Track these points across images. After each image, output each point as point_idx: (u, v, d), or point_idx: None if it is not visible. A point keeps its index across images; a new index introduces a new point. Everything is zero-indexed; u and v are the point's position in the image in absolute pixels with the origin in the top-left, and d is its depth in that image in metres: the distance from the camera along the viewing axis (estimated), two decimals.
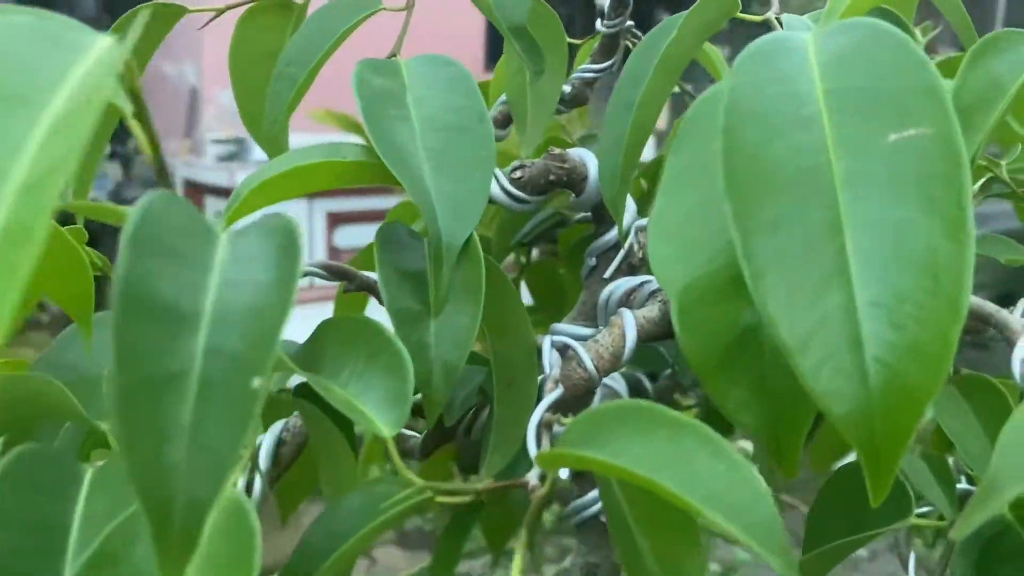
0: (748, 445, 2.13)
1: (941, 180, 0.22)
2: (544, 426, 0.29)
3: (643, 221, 0.41)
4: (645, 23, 0.42)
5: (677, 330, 0.27)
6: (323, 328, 0.29)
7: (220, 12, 0.42)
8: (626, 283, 0.38)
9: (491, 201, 0.41)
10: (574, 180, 0.40)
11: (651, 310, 0.35)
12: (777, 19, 0.34)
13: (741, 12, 0.33)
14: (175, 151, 4.55)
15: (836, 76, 0.24)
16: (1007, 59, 0.31)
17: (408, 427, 0.40)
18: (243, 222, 0.23)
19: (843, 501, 0.33)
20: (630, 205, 0.39)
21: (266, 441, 0.31)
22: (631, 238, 0.40)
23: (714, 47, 0.46)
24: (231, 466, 0.18)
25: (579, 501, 0.38)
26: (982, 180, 0.37)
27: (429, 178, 0.30)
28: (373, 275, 0.32)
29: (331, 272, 0.32)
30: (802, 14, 0.37)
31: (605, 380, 0.36)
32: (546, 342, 0.32)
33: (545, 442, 0.28)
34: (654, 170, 0.51)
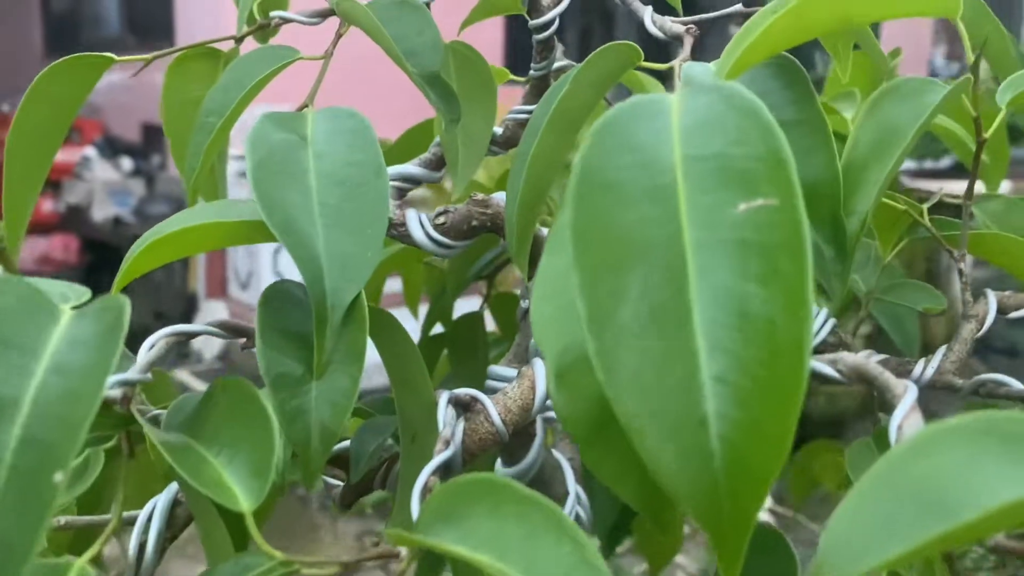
0: None
1: (785, 252, 0.21)
2: (428, 490, 0.28)
3: None
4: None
5: (552, 394, 0.27)
6: (214, 389, 0.29)
7: (148, 61, 0.42)
8: None
9: (416, 247, 0.40)
10: (498, 224, 0.40)
11: None
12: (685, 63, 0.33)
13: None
14: None
15: (696, 142, 0.23)
16: (907, 106, 0.30)
17: (335, 476, 0.40)
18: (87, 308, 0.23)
19: None
20: None
21: (161, 501, 0.31)
22: None
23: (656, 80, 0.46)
24: (24, 559, 0.18)
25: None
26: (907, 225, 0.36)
27: (321, 236, 0.30)
28: None
29: (227, 330, 0.32)
30: None
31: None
32: (442, 398, 0.32)
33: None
34: None
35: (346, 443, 0.38)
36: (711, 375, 0.21)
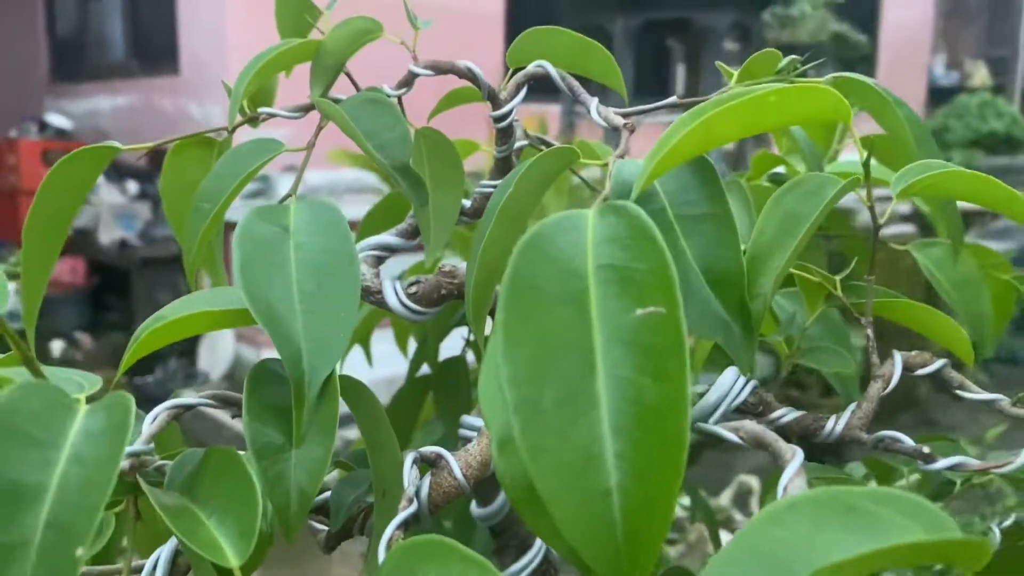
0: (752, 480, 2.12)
1: (671, 353, 0.26)
2: (392, 542, 0.33)
3: None
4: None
5: (495, 462, 0.31)
6: (209, 456, 0.34)
7: (150, 149, 0.47)
8: None
9: (390, 312, 0.45)
10: (464, 293, 0.44)
11: None
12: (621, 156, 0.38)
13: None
14: None
15: (605, 254, 0.28)
16: (808, 199, 0.35)
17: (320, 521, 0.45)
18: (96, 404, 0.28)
19: None
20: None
21: (164, 552, 0.35)
22: None
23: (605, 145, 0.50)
24: None
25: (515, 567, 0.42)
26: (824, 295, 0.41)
27: (300, 321, 0.34)
28: None
29: (219, 401, 0.37)
30: None
31: None
32: (408, 458, 0.36)
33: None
34: None
35: (327, 494, 0.42)
36: (614, 452, 0.26)
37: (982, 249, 0.60)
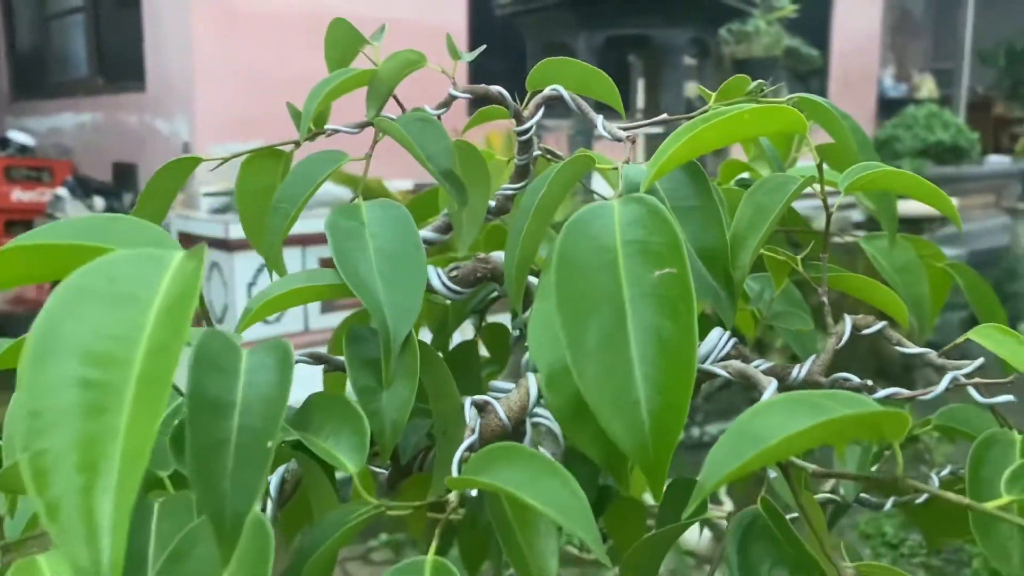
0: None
1: (681, 301, 0.36)
2: (463, 461, 0.42)
3: None
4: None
5: (544, 394, 0.41)
6: (312, 400, 0.43)
7: (225, 160, 0.56)
8: None
9: (434, 292, 0.55)
10: (496, 276, 0.54)
11: None
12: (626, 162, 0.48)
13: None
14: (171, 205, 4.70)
15: (629, 233, 0.38)
16: (774, 194, 0.45)
17: (380, 467, 0.54)
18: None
19: (670, 516, 0.46)
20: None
21: (273, 480, 0.45)
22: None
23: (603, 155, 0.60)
24: (256, 494, 0.32)
25: None
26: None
27: (381, 292, 0.44)
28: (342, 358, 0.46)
29: (314, 358, 0.46)
30: None
31: (542, 420, 0.50)
32: (467, 402, 0.46)
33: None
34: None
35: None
36: (641, 375, 0.35)
37: (920, 241, 0.71)
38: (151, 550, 0.39)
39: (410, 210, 0.66)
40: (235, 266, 3.62)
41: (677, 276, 0.36)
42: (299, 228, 0.55)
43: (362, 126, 0.54)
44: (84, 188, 4.98)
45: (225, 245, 3.65)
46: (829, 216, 0.48)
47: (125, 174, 5.21)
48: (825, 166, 0.50)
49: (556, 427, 0.61)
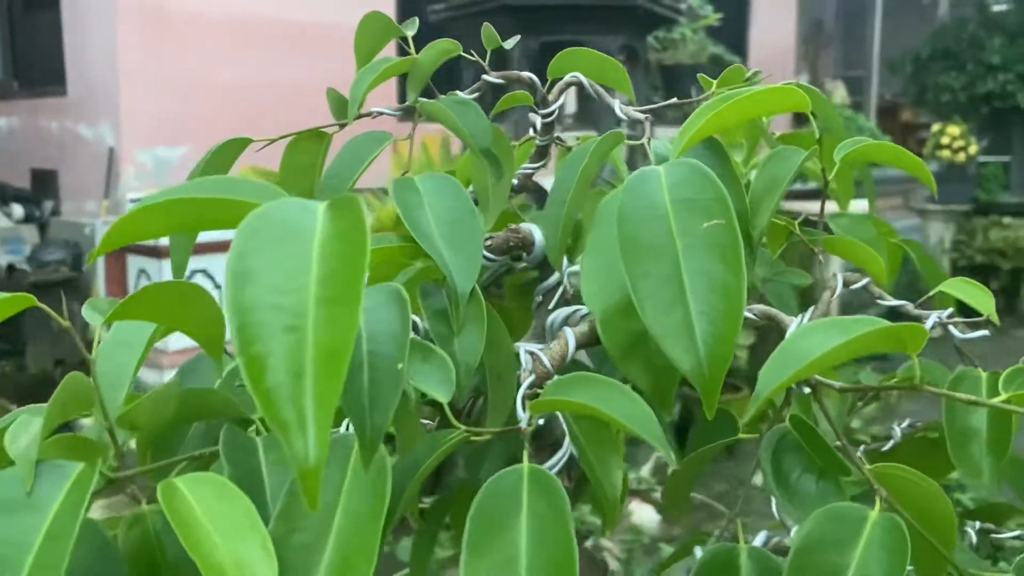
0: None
1: (730, 248, 0.42)
2: (526, 398, 0.48)
3: (573, 267, 0.61)
4: None
5: (600, 334, 0.47)
6: None
7: (271, 141, 0.61)
8: (565, 311, 0.58)
9: None
10: (526, 245, 0.60)
11: (583, 328, 0.55)
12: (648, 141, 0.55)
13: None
14: (95, 211, 4.61)
15: (676, 192, 0.44)
16: (783, 164, 0.52)
17: (426, 418, 0.59)
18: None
19: (706, 437, 0.53)
20: (564, 261, 0.59)
21: None
22: (565, 281, 0.60)
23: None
24: (391, 408, 0.37)
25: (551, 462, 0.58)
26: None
27: (445, 252, 0.50)
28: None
29: None
30: None
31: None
32: (522, 349, 0.52)
33: (526, 407, 0.47)
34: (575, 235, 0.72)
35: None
36: (696, 310, 0.42)
37: (877, 220, 0.80)
38: (265, 477, 0.44)
39: None
40: (164, 273, 3.59)
41: (725, 227, 0.43)
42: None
43: (406, 109, 0.60)
44: (2, 196, 4.84)
45: (155, 252, 3.61)
46: (826, 183, 0.55)
47: (44, 180, 5.08)
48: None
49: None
